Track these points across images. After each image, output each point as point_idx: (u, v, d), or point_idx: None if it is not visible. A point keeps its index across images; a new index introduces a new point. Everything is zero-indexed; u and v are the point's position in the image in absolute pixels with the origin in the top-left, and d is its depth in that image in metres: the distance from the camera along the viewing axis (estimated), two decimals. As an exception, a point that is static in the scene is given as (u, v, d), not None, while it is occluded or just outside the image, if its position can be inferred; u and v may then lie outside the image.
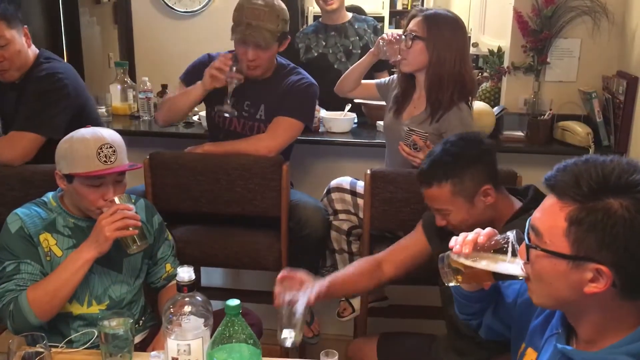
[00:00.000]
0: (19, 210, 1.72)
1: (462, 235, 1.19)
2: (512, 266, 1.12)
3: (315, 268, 2.45)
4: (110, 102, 2.92)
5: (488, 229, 1.18)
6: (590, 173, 0.98)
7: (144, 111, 2.89)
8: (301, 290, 1.56)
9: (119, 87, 2.99)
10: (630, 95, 2.44)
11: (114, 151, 1.66)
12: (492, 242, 1.16)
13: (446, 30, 2.16)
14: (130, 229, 1.63)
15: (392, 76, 2.46)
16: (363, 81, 2.54)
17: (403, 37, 2.22)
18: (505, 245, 1.12)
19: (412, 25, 2.21)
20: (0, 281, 1.63)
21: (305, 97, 2.34)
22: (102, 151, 1.64)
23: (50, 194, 1.79)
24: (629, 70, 2.52)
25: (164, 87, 2.84)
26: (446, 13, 2.24)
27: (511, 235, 1.12)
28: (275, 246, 2.28)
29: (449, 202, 1.63)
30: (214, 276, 2.93)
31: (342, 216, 2.34)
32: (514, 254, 1.10)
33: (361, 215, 2.28)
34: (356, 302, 2.42)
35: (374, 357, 1.95)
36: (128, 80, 3.01)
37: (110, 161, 1.65)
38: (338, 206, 2.34)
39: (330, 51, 3.28)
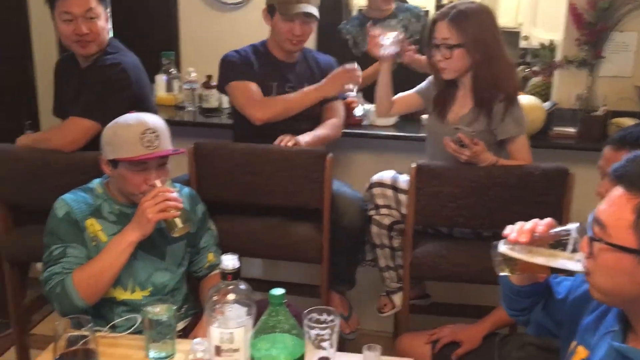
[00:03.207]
0: (66, 196, 1.74)
1: (519, 223, 1.14)
2: (571, 261, 1.06)
3: (355, 259, 2.42)
4: (156, 92, 2.94)
5: (548, 219, 1.12)
6: None
7: (189, 102, 2.91)
8: None
9: (164, 77, 3.01)
10: (691, 92, 2.33)
11: (157, 136, 1.67)
12: (552, 234, 1.10)
13: (478, 25, 2.09)
14: (172, 211, 1.63)
15: (429, 78, 2.38)
16: (400, 95, 2.46)
17: (437, 47, 2.14)
18: (565, 238, 1.07)
19: (440, 32, 2.11)
20: (48, 265, 1.65)
21: None
22: (146, 136, 1.65)
23: (96, 181, 1.81)
24: (690, 65, 2.41)
25: (209, 77, 2.84)
26: (468, 5, 2.12)
27: (573, 227, 1.06)
28: (316, 238, 2.26)
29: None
30: (251, 267, 2.93)
31: (383, 211, 2.30)
32: (574, 249, 1.04)
33: (403, 210, 2.24)
34: (397, 298, 2.38)
35: (426, 353, 1.91)
36: (174, 70, 3.03)
37: (154, 146, 1.66)
38: (379, 201, 2.30)
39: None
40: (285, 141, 2.25)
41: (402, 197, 2.23)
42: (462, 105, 2.21)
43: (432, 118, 2.31)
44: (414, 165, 2.11)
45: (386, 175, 2.31)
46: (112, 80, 2.18)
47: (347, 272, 2.44)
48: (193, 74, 2.90)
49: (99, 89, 2.18)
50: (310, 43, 2.92)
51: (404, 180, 2.24)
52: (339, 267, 2.39)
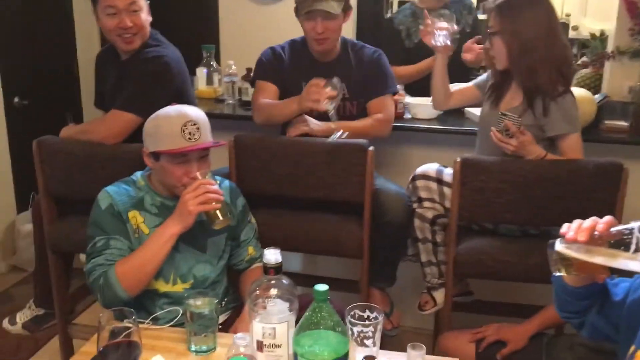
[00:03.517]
0: (109, 188, 1.75)
1: (577, 221, 1.08)
2: (634, 261, 1.00)
3: (397, 256, 2.38)
4: (197, 85, 2.95)
5: (608, 217, 1.06)
6: None
7: (228, 94, 2.90)
8: None
9: (205, 70, 3.01)
10: None
11: (198, 128, 1.66)
12: (612, 232, 1.04)
13: (522, 15, 2.03)
14: (213, 204, 1.63)
15: (489, 70, 2.34)
16: (459, 86, 2.44)
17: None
18: (627, 237, 1.00)
19: (489, 21, 2.12)
20: (91, 256, 1.66)
21: (386, 69, 2.43)
22: (187, 128, 1.65)
23: (139, 173, 1.81)
24: None
25: (249, 70, 2.83)
26: None
27: (636, 226, 1.00)
28: (357, 233, 2.22)
29: None
30: (290, 261, 2.91)
31: (426, 204, 2.25)
32: (637, 248, 0.98)
33: (446, 204, 2.19)
34: (439, 295, 2.33)
35: (470, 352, 1.86)
36: (214, 63, 3.03)
37: (195, 138, 1.65)
38: (423, 194, 2.25)
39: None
40: (294, 129, 2.26)
41: (447, 191, 2.18)
42: (514, 96, 2.15)
43: (485, 109, 2.26)
44: (458, 159, 2.05)
45: (431, 167, 2.27)
46: (154, 74, 2.18)
47: (388, 268, 2.40)
48: (233, 67, 2.90)
49: (141, 82, 2.18)
50: (349, 34, 2.89)
51: (448, 173, 2.19)
52: (380, 264, 2.35)
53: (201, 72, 3.00)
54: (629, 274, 1.02)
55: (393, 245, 2.34)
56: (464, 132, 2.53)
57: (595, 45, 2.64)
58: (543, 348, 1.82)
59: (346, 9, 2.32)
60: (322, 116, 2.24)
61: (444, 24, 2.33)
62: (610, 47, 2.59)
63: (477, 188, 2.04)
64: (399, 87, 2.67)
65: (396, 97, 2.64)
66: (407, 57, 3.04)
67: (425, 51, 3.01)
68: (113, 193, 1.72)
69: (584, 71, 2.67)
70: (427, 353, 1.50)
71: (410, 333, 2.49)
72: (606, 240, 1.05)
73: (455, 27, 2.36)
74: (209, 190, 1.62)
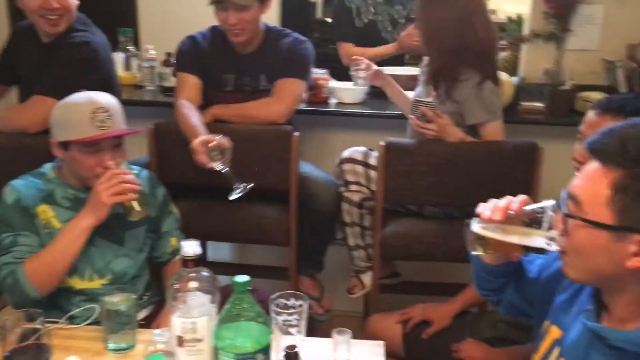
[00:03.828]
0: (16, 182, 1.65)
1: (493, 201, 1.10)
2: (545, 239, 1.02)
3: (326, 242, 2.38)
4: (113, 71, 2.82)
5: (522, 196, 1.08)
6: (638, 136, 0.89)
7: (148, 80, 2.79)
8: None
9: (122, 55, 2.89)
10: (658, 64, 2.32)
11: (110, 115, 1.59)
12: (526, 211, 1.06)
13: (433, 1, 2.07)
14: (129, 194, 1.56)
15: None
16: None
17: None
18: (540, 216, 1.03)
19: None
20: (-2, 254, 1.56)
21: (303, 55, 2.28)
22: (97, 115, 1.56)
23: (48, 165, 1.71)
24: (657, 37, 2.40)
25: (169, 55, 2.73)
26: None
27: (548, 204, 1.02)
28: (284, 220, 2.20)
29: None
30: (220, 251, 2.86)
31: (353, 187, 2.25)
32: (549, 227, 1.00)
33: (373, 187, 2.20)
34: (367, 278, 2.35)
35: (397, 332, 1.88)
36: (132, 48, 2.91)
37: (106, 126, 1.57)
38: (349, 177, 2.25)
39: (379, 18, 3.15)
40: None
41: (373, 174, 2.19)
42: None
43: (420, 90, 2.29)
44: (382, 142, 2.06)
45: (357, 150, 2.27)
46: (82, 60, 2.07)
47: (317, 255, 2.39)
48: (152, 52, 2.78)
49: (67, 68, 2.06)
50: (274, 19, 2.83)
51: (375, 156, 2.20)
52: (308, 250, 2.34)
53: (118, 57, 2.87)
54: (541, 251, 1.04)
55: (322, 232, 2.33)
56: (390, 116, 2.54)
57: (512, 28, 2.71)
58: (467, 326, 1.87)
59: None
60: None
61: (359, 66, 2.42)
62: (526, 30, 2.66)
63: (401, 171, 2.06)
64: (323, 71, 2.65)
65: (321, 81, 2.62)
66: (359, 36, 3.03)
67: (374, 32, 3.03)
68: (20, 187, 1.62)
69: (502, 54, 2.74)
70: (358, 336, 1.51)
71: (342, 317, 2.50)
72: (520, 219, 1.07)
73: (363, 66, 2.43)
74: (123, 180, 1.55)
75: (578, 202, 0.95)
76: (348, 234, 2.32)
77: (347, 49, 3.05)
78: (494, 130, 2.08)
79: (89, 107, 1.57)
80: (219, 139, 1.93)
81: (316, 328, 2.47)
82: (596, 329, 0.99)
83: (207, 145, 1.92)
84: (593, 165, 0.94)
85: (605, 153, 0.92)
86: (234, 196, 1.98)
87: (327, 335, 1.43)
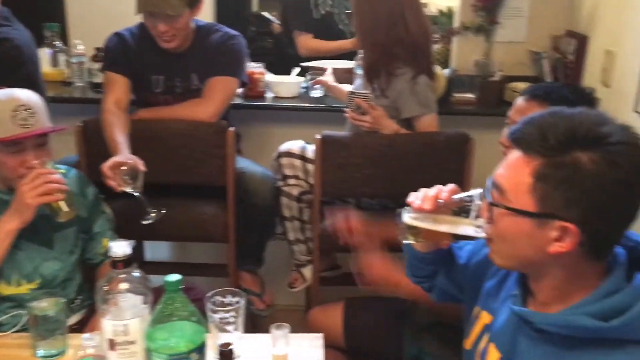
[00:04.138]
0: None
1: (423, 190, 1.12)
2: (473, 227, 1.05)
3: (265, 237, 2.37)
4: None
5: (451, 185, 1.11)
6: (558, 125, 0.92)
7: (76, 77, 2.70)
8: None
9: (49, 51, 2.78)
10: (580, 55, 2.42)
11: (32, 113, 1.52)
12: (455, 200, 1.08)
13: None
14: (55, 194, 1.50)
15: None
16: None
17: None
18: (468, 204, 1.05)
19: None
20: None
21: (233, 51, 2.23)
22: (18, 113, 1.50)
23: (-31, 167, 1.62)
24: (578, 29, 2.50)
25: (98, 50, 2.64)
26: None
27: (475, 193, 1.05)
28: (222, 216, 2.18)
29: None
30: (159, 250, 2.80)
31: (291, 181, 2.25)
32: (477, 215, 1.03)
33: (311, 181, 2.20)
34: (307, 272, 2.36)
35: (337, 323, 1.89)
36: (59, 43, 2.80)
37: (29, 124, 1.51)
38: (287, 171, 2.25)
39: (336, 11, 3.14)
40: None
41: (311, 167, 2.20)
42: None
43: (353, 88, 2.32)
44: (318, 136, 2.07)
45: (294, 145, 2.27)
46: (3, 58, 1.97)
47: (257, 250, 2.38)
48: (80, 47, 2.69)
49: None
50: (208, 14, 2.78)
51: (312, 150, 2.20)
52: (248, 246, 2.33)
53: (45, 53, 2.75)
54: (470, 238, 1.07)
55: (261, 227, 2.32)
56: (328, 109, 2.55)
57: (443, 21, 2.76)
58: (406, 315, 1.89)
59: (193, 3, 2.09)
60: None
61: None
62: (456, 22, 2.72)
63: (337, 164, 2.07)
64: (259, 65, 2.63)
65: (256, 75, 2.60)
66: (317, 28, 3.02)
67: (331, 25, 3.01)
68: (-63, 191, 1.54)
69: (434, 47, 2.79)
70: (300, 330, 1.51)
71: (284, 311, 2.49)
72: (450, 208, 1.09)
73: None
74: (49, 180, 1.49)
75: (502, 191, 0.97)
76: (288, 228, 2.32)
77: (306, 41, 3.05)
78: (428, 123, 2.12)
79: (10, 104, 1.50)
80: (131, 163, 1.86)
81: (259, 324, 2.47)
82: (522, 313, 1.02)
83: (118, 167, 1.85)
84: (515, 154, 0.97)
85: (526, 142, 0.94)
86: (146, 222, 1.93)
87: (268, 331, 1.42)
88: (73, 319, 1.66)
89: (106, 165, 1.85)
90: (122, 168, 1.85)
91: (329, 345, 1.58)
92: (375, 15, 2.06)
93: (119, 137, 2.00)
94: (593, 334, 0.92)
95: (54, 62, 2.79)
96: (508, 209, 0.96)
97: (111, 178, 1.84)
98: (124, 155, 1.92)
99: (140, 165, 1.87)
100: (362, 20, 2.12)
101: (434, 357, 1.74)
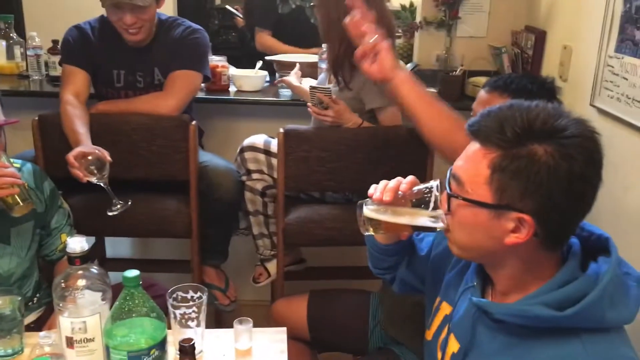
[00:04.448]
0: None
1: (383, 182, 1.12)
2: (432, 218, 1.06)
3: (229, 232, 2.35)
4: (-6, 60, 2.64)
5: (410, 177, 1.12)
6: (515, 118, 0.93)
7: (33, 70, 2.63)
8: None
9: (3, 43, 2.70)
10: (538, 50, 2.46)
11: None
12: (414, 191, 1.09)
13: None
14: (8, 188, 1.47)
15: None
16: None
17: None
18: (428, 195, 1.06)
19: None
20: None
21: (195, 45, 2.21)
22: None
23: None
24: (537, 24, 2.55)
25: (55, 43, 2.58)
26: None
27: (434, 184, 1.06)
28: (184, 211, 2.15)
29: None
30: (120, 247, 2.76)
31: (255, 176, 2.24)
32: (436, 206, 1.04)
33: (275, 175, 2.19)
34: (272, 267, 2.35)
35: (302, 315, 1.89)
36: (14, 35, 2.72)
37: None
38: (251, 166, 2.23)
39: (307, 5, 3.11)
40: None
41: (275, 162, 2.18)
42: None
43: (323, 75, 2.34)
44: (281, 130, 2.06)
45: (258, 139, 2.25)
46: None
47: (221, 245, 2.36)
48: (37, 39, 2.62)
49: None
50: (169, 7, 2.74)
51: (276, 144, 2.19)
52: (212, 241, 2.31)
53: (0, 45, 2.68)
54: (429, 230, 1.08)
55: (224, 221, 2.30)
56: (292, 103, 2.54)
57: (405, 16, 2.78)
58: (370, 306, 1.91)
59: None
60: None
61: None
62: (418, 17, 2.74)
63: (300, 158, 2.07)
64: (221, 58, 2.60)
65: (220, 69, 2.58)
66: (283, 23, 2.99)
67: (302, 19, 2.99)
68: None
69: (397, 41, 2.81)
70: (264, 324, 1.50)
71: (249, 306, 2.48)
72: (409, 199, 1.10)
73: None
74: (2, 174, 1.45)
75: (460, 182, 0.99)
76: (252, 223, 2.31)
77: (263, 37, 3.04)
78: (391, 115, 2.13)
79: None
80: (97, 153, 1.83)
81: (223, 319, 2.45)
82: (480, 303, 1.04)
83: (84, 157, 1.82)
84: (474, 146, 0.98)
85: (484, 134, 0.96)
86: (112, 213, 1.90)
87: (231, 325, 1.41)
88: (30, 318, 1.63)
89: (72, 155, 1.82)
90: (88, 158, 1.82)
91: (293, 337, 1.59)
92: (340, 10, 2.06)
93: (80, 128, 1.97)
94: (549, 323, 0.94)
95: (10, 55, 2.71)
96: (466, 200, 0.97)
97: (77, 168, 1.80)
98: (88, 145, 1.89)
99: (107, 156, 1.84)
100: (327, 15, 2.11)
101: (399, 347, 1.75)
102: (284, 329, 1.49)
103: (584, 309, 0.91)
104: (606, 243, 1.00)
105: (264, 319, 1.93)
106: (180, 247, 2.56)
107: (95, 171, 1.82)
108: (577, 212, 0.96)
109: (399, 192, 1.10)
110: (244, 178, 2.24)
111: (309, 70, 2.61)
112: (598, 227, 1.04)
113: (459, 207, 0.99)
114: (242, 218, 2.36)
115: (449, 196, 1.01)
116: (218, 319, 2.47)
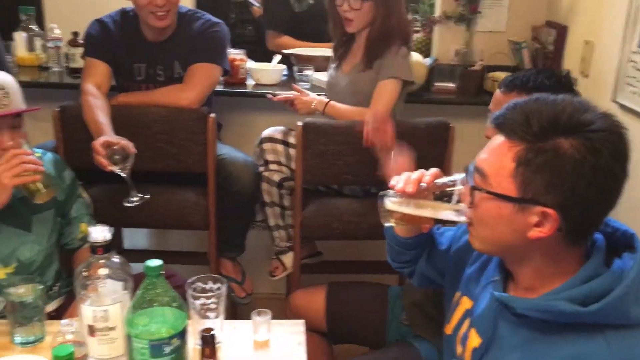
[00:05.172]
0: None
1: (406, 173, 1.12)
2: (454, 212, 1.06)
3: (246, 225, 2.36)
4: (15, 52, 2.66)
5: (434, 169, 1.11)
6: (541, 111, 0.93)
7: (53, 61, 2.65)
8: None
9: (24, 35, 2.72)
10: (559, 45, 2.44)
11: (6, 94, 1.50)
12: (438, 184, 1.09)
13: None
14: (32, 175, 1.48)
15: None
16: None
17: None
18: (451, 189, 1.05)
19: None
20: None
21: (215, 39, 2.21)
22: None
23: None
24: (558, 19, 2.52)
25: (75, 35, 2.60)
26: None
27: (458, 177, 1.05)
28: (202, 204, 2.16)
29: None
30: (138, 238, 2.78)
31: (273, 167, 2.24)
32: (459, 199, 1.03)
33: (293, 166, 2.20)
34: (287, 259, 2.35)
35: (320, 307, 1.89)
36: (35, 27, 2.74)
37: (3, 104, 1.48)
38: (269, 157, 2.24)
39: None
40: None
41: (293, 152, 2.19)
42: (355, 55, 2.24)
43: (331, 73, 2.33)
44: (299, 123, 2.06)
45: (278, 130, 2.27)
46: None
47: (238, 237, 2.37)
48: (57, 31, 2.64)
49: None
50: (187, 1, 2.75)
51: (294, 135, 2.20)
52: (229, 233, 2.31)
53: (20, 36, 2.70)
54: (451, 223, 1.08)
55: (242, 214, 2.31)
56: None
57: (424, 10, 2.76)
58: (388, 299, 1.90)
59: None
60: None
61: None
62: (437, 11, 2.72)
63: (318, 151, 2.07)
64: (239, 51, 2.61)
65: (237, 62, 2.58)
66: (296, 22, 2.99)
67: (316, 14, 2.98)
68: None
69: (415, 35, 2.79)
70: (281, 317, 1.50)
71: (264, 299, 2.48)
72: (432, 192, 1.10)
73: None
74: (25, 161, 1.47)
75: (484, 175, 0.98)
76: (269, 215, 2.31)
77: (274, 38, 3.05)
78: (386, 86, 2.14)
79: None
80: (123, 144, 1.84)
81: (239, 312, 2.46)
82: (502, 298, 1.03)
83: (109, 146, 1.83)
84: (498, 139, 0.97)
85: (509, 127, 0.95)
86: (128, 204, 1.91)
87: (249, 318, 1.42)
88: (51, 306, 1.64)
89: (98, 142, 1.83)
90: (113, 148, 1.83)
91: (311, 329, 1.59)
92: (393, 5, 2.15)
93: (102, 118, 1.98)
94: (572, 319, 0.93)
95: (30, 47, 2.73)
96: (490, 193, 0.97)
97: (102, 155, 1.82)
98: (113, 136, 1.90)
99: (131, 147, 1.85)
100: (381, 9, 2.15)
101: (418, 340, 1.75)
102: (302, 321, 1.50)
103: (608, 305, 0.90)
104: (631, 239, 0.99)
105: (279, 312, 1.93)
106: (197, 239, 2.57)
107: (119, 161, 1.83)
108: (601, 206, 0.95)
109: (422, 184, 1.10)
110: (261, 169, 2.25)
111: (325, 64, 2.60)
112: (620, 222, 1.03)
113: (483, 201, 0.99)
114: (258, 210, 2.37)
115: (473, 189, 1.00)
116: (233, 311, 2.48)
